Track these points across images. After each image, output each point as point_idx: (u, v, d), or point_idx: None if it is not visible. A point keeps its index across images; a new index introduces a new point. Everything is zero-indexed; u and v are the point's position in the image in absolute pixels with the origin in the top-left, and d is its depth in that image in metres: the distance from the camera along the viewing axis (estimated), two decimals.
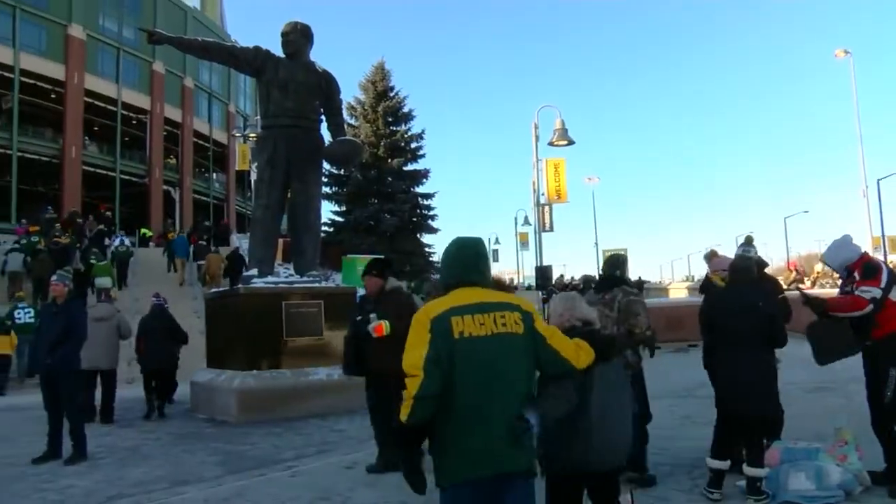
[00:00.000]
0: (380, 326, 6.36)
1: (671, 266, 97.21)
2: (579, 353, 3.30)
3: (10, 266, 21.20)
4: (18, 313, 16.63)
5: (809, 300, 5.70)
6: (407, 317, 6.33)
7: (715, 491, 5.28)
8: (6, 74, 37.93)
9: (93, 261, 22.24)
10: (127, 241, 27.21)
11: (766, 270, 7.70)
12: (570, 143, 21.55)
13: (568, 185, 23.98)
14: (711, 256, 8.35)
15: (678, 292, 41.67)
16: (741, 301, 5.37)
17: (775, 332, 5.32)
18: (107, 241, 26.70)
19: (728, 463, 5.36)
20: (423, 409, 2.97)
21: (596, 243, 45.51)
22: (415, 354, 3.01)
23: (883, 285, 5.36)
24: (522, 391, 3.07)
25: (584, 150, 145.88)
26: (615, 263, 6.26)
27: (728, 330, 5.36)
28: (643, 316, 5.77)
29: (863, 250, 5.84)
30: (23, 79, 38.44)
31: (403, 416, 3.00)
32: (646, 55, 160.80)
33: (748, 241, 7.94)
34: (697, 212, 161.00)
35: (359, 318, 6.77)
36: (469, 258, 3.28)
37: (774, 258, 68.01)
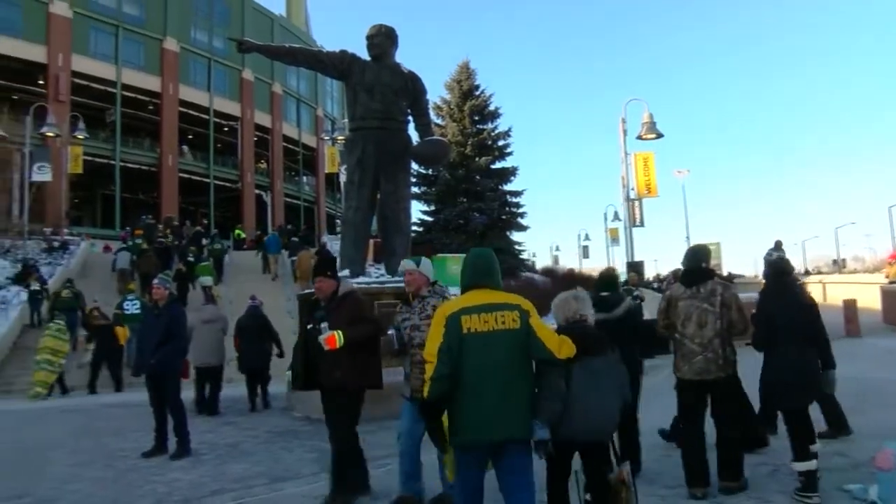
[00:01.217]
0: (332, 338, 5.59)
1: None
2: (562, 346, 4.00)
3: (119, 264, 23.42)
4: (127, 305, 17.91)
5: None
6: (364, 322, 5.88)
7: (813, 495, 5.06)
8: (109, 90, 39.91)
9: (190, 259, 24.21)
10: (221, 242, 29.37)
11: (871, 264, 7.55)
12: (659, 136, 21.17)
13: (658, 179, 23.57)
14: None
15: None
16: (784, 299, 5.57)
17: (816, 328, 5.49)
18: (204, 241, 28.36)
19: (815, 462, 5.19)
20: (438, 388, 3.83)
21: (687, 237, 44.14)
22: (433, 345, 3.90)
23: None
24: (514, 374, 3.88)
25: (674, 143, 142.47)
26: (700, 255, 5.92)
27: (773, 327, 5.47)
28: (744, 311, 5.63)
29: None
30: (124, 93, 40.32)
31: (425, 394, 3.91)
32: (735, 40, 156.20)
33: (777, 247, 7.86)
34: (795, 202, 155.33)
35: (309, 325, 5.95)
36: (481, 266, 4.15)
37: (879, 250, 65.07)
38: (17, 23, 36.32)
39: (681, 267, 6.24)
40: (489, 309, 3.91)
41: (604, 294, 6.41)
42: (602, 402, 4.21)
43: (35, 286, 20.38)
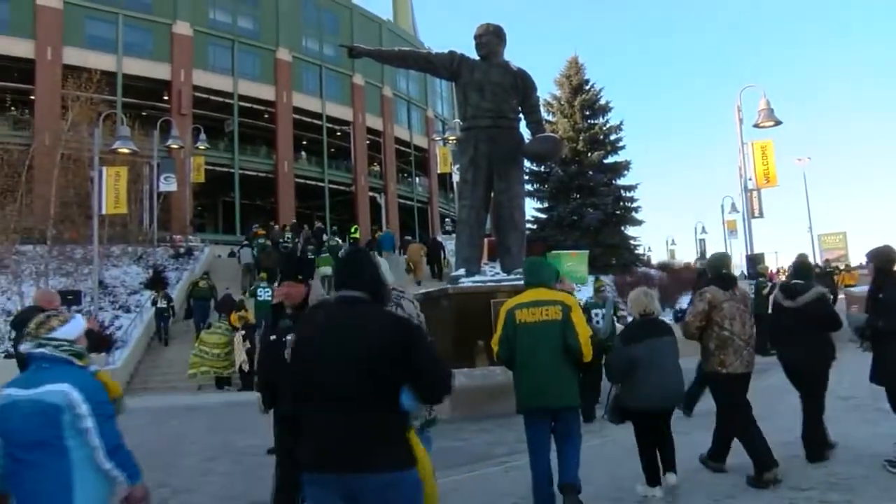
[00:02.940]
0: None
1: None
2: (587, 343, 5.04)
3: (243, 260, 25.69)
4: (260, 291, 19.62)
5: None
6: None
7: None
8: (227, 101, 41.54)
9: (310, 255, 25.64)
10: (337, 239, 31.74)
11: None
12: (777, 123, 20.31)
13: (777, 168, 22.56)
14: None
15: None
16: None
17: None
18: (324, 238, 30.29)
19: None
20: (503, 363, 5.44)
21: (810, 228, 41.93)
22: (497, 334, 5.33)
23: None
24: (558, 355, 5.03)
25: (793, 130, 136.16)
26: (721, 263, 6.49)
27: None
28: None
29: None
30: (240, 103, 41.88)
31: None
32: (858, 21, 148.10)
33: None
34: None
35: (272, 337, 4.93)
36: (533, 270, 5.50)
37: None
38: (146, 45, 38.44)
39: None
40: (537, 304, 5.15)
41: (794, 282, 6.74)
42: (666, 379, 5.50)
43: (162, 303, 20.76)
